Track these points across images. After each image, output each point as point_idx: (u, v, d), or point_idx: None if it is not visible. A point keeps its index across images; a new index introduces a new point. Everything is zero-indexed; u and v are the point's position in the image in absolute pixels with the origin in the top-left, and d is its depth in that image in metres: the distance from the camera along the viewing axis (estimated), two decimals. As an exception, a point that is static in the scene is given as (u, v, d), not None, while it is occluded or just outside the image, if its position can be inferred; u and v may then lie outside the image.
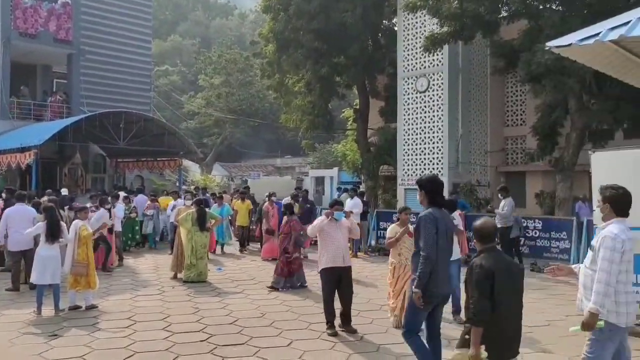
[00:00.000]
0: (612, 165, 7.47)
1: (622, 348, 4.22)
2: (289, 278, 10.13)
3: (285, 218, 10.81)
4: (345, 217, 7.53)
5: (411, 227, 6.65)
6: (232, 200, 17.52)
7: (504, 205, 12.27)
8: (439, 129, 17.65)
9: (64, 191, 15.54)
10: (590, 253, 4.24)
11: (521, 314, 4.06)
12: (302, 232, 10.43)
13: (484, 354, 3.76)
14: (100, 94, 25.54)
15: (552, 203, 15.92)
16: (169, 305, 8.73)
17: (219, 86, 46.67)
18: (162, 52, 60.20)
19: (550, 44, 5.61)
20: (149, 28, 29.58)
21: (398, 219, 7.77)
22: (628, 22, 5.03)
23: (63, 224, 8.61)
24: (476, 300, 3.77)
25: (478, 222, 4.21)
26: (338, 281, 7.12)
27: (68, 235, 8.42)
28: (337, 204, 7.51)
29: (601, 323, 3.98)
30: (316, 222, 7.50)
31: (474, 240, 4.29)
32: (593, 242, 4.23)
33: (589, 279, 4.12)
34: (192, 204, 11.98)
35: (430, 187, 5.11)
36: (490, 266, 3.83)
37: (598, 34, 5.10)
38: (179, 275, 11.04)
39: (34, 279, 8.17)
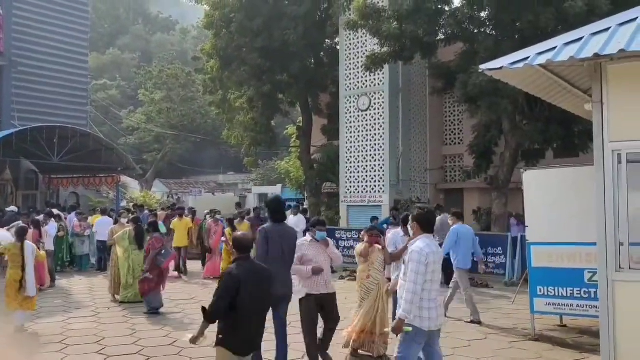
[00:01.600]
0: (542, 183, 7.80)
1: (434, 352, 4.82)
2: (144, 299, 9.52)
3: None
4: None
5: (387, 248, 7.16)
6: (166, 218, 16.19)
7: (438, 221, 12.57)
8: (381, 147, 17.96)
9: (13, 208, 14.77)
10: (403, 266, 4.88)
11: (264, 316, 4.61)
12: (162, 251, 9.69)
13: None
14: (33, 107, 24.56)
15: (488, 219, 16.46)
16: (104, 327, 8.41)
17: (159, 101, 45.82)
18: (100, 65, 58.64)
19: (484, 66, 5.83)
20: (85, 40, 28.82)
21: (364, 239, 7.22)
22: (554, 48, 5.31)
23: None
24: (216, 300, 4.32)
25: (239, 234, 5.04)
26: (320, 310, 6.28)
27: None
28: (319, 224, 6.52)
29: (409, 328, 4.52)
30: (297, 253, 6.26)
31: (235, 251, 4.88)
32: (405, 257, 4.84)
33: (402, 289, 4.71)
34: (128, 222, 11.64)
35: (272, 206, 6.38)
36: (239, 274, 4.36)
37: (527, 58, 5.34)
38: (117, 297, 10.64)
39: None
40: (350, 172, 18.62)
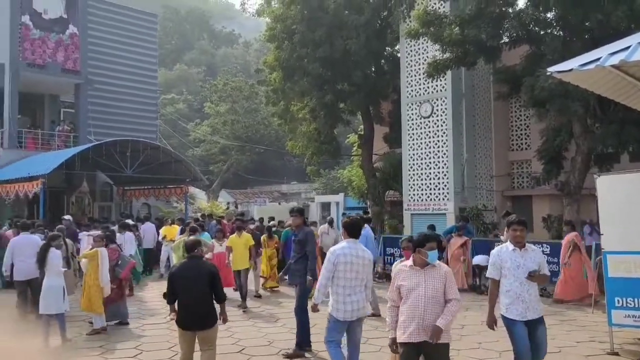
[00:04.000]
0: (617, 189, 7.46)
1: (352, 339, 5.70)
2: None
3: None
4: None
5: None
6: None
7: None
8: (444, 154, 17.69)
9: (68, 217, 15.51)
10: None
11: (195, 302, 5.59)
12: (118, 262, 9.42)
13: None
14: (107, 122, 25.79)
15: (559, 227, 15.84)
16: (176, 334, 8.66)
17: (224, 114, 47.12)
18: (168, 80, 60.93)
19: (552, 69, 5.67)
20: (155, 57, 29.99)
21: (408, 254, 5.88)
22: (628, 47, 5.09)
23: (57, 252, 8.49)
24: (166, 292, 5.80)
25: (189, 239, 6.37)
26: None
27: (60, 264, 8.38)
28: (428, 240, 4.81)
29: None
30: (394, 271, 5.20)
31: None
32: None
33: None
34: (185, 232, 11.98)
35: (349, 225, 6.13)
36: (174, 271, 5.86)
37: (599, 59, 5.15)
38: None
39: (40, 309, 8.16)
40: (414, 180, 18.43)
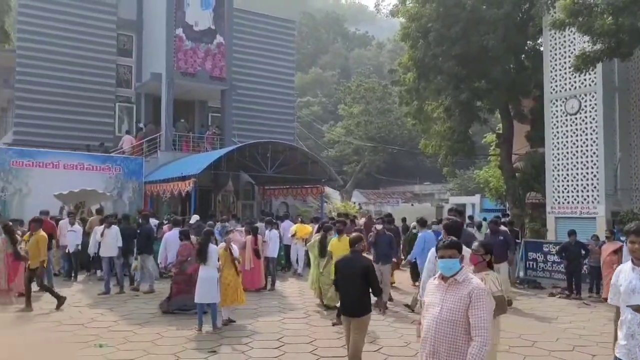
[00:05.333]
0: None
1: None
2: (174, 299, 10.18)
3: None
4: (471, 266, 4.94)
5: None
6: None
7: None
8: (594, 152, 16.39)
9: (195, 217, 16.37)
10: None
11: (351, 293, 6.07)
12: (188, 258, 9.90)
13: None
14: (249, 125, 27.39)
15: None
16: (315, 330, 9.00)
17: (358, 115, 47.76)
18: (304, 84, 63.07)
19: None
20: (292, 62, 31.22)
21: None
22: None
23: (214, 247, 9.21)
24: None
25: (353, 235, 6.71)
26: None
27: (216, 258, 9.04)
28: (448, 247, 3.89)
29: None
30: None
31: None
32: None
33: None
34: (318, 230, 12.24)
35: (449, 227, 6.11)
36: (337, 264, 6.46)
37: None
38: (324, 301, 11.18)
39: (196, 298, 8.89)
40: (558, 181, 17.29)
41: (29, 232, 11.26)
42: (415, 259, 10.87)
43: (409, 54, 21.08)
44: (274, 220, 15.85)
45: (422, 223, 11.58)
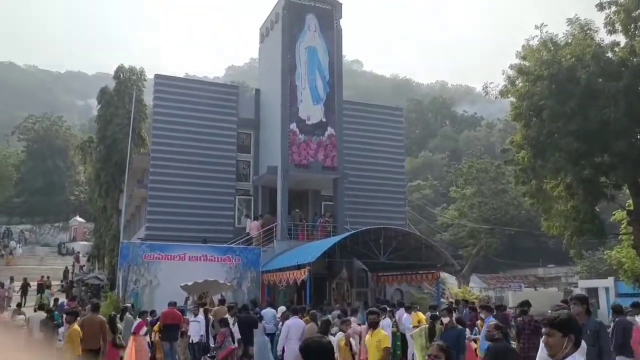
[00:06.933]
0: None
1: None
2: None
3: None
4: None
5: None
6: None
7: None
8: None
9: (282, 308, 16.02)
10: None
11: None
12: (222, 345, 9.62)
13: None
14: (360, 212, 27.63)
15: None
16: None
17: (471, 196, 46.67)
18: (413, 168, 63.22)
19: None
20: (401, 148, 31.60)
21: None
22: None
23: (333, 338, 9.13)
24: None
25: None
26: None
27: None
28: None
29: None
30: None
31: None
32: None
33: None
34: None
35: None
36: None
37: None
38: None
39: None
40: None
41: (157, 323, 11.99)
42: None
43: (522, 133, 20.61)
44: (388, 308, 15.51)
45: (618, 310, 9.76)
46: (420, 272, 22.97)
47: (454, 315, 11.52)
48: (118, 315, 13.67)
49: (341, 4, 27.04)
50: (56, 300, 22.30)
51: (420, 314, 15.66)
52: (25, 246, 53.34)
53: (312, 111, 25.56)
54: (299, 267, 18.99)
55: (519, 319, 10.80)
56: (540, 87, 19.22)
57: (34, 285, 27.52)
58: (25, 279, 28.16)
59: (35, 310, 14.83)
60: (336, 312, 15.06)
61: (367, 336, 9.11)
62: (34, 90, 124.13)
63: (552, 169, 19.48)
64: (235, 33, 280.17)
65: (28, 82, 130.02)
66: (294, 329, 11.18)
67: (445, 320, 8.25)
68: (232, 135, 27.18)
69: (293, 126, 25.11)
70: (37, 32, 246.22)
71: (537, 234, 40.50)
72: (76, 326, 10.73)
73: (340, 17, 26.86)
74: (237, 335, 13.15)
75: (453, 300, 21.94)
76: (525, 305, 11.17)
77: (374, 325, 8.90)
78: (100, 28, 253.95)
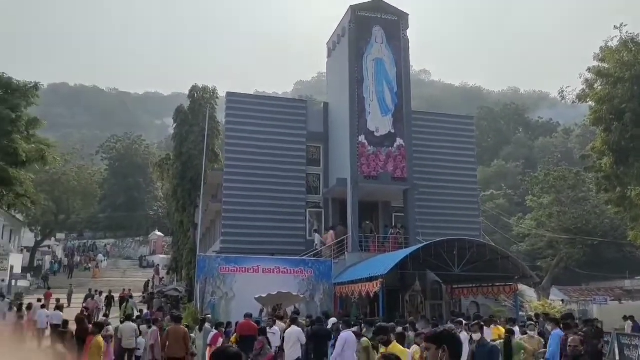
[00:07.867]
0: None
1: None
2: None
3: None
4: None
5: None
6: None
7: None
8: None
9: (333, 320, 15.91)
10: None
11: None
12: (261, 352, 9.58)
13: None
14: (432, 223, 27.18)
15: None
16: None
17: (548, 205, 44.82)
18: (486, 177, 61.53)
19: None
20: (473, 157, 30.90)
21: None
22: None
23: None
24: None
25: None
26: None
27: None
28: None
29: None
30: None
31: None
32: None
33: None
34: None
35: None
36: None
37: None
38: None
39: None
40: None
41: (233, 334, 12.33)
42: None
43: (602, 138, 19.72)
44: (464, 322, 15.08)
45: None
46: (497, 284, 22.27)
47: (536, 330, 11.16)
48: (197, 327, 14.36)
49: (407, 15, 26.96)
50: (141, 311, 23.35)
51: (501, 328, 15.15)
52: (109, 259, 56.24)
53: (380, 123, 25.54)
54: (371, 279, 18.92)
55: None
56: (621, 90, 18.34)
57: (116, 297, 28.92)
58: (110, 291, 29.63)
59: (121, 322, 15.58)
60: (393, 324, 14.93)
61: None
62: (116, 112, 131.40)
63: (637, 175, 18.46)
64: (303, 48, 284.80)
65: (110, 104, 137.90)
66: (352, 343, 11.11)
67: (476, 337, 7.76)
68: (301, 149, 27.57)
69: (362, 138, 25.17)
70: (117, 56, 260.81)
71: (622, 244, 38.37)
72: (100, 338, 11.36)
73: (407, 28, 26.78)
74: (277, 343, 13.67)
75: (533, 314, 21.09)
76: (568, 318, 10.81)
77: (386, 344, 8.46)
78: (174, 52, 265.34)
